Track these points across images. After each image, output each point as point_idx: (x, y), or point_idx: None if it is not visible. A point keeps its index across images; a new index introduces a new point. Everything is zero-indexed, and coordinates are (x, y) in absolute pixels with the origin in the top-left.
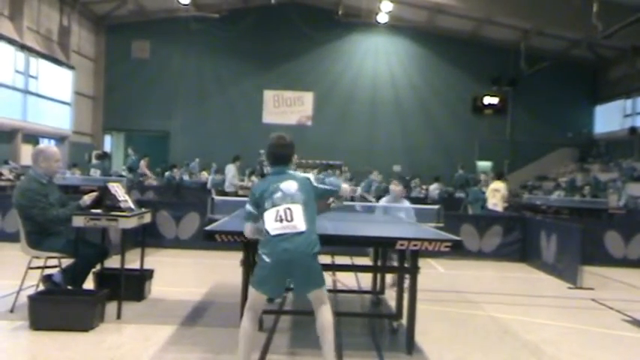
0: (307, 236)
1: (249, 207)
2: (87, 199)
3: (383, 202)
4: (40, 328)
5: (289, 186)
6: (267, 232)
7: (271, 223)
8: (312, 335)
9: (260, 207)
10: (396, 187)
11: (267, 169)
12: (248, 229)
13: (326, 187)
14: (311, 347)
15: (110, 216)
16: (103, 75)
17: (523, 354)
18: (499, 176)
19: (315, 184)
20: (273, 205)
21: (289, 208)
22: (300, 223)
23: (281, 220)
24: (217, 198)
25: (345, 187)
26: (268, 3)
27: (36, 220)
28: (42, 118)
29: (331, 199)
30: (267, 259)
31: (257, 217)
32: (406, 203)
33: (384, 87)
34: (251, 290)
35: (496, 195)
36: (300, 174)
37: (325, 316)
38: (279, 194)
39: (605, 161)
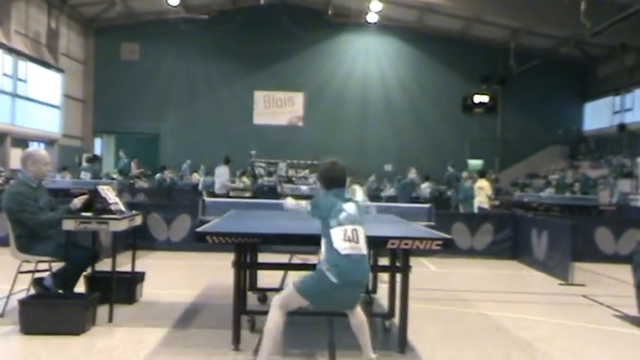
0: (367, 261)
1: (313, 211)
2: (77, 202)
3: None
4: (31, 332)
5: (351, 208)
6: (335, 250)
7: (340, 242)
8: (305, 335)
9: (324, 218)
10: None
11: (321, 193)
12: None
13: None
14: (304, 348)
15: (101, 219)
16: (93, 78)
17: (515, 351)
18: (482, 174)
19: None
20: (339, 224)
21: (355, 230)
22: (364, 246)
23: (349, 240)
24: (208, 200)
25: (290, 202)
26: (257, 4)
27: (26, 224)
28: (31, 121)
29: None
30: (334, 280)
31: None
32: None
33: (375, 87)
34: (298, 297)
35: (481, 193)
36: (352, 198)
37: (360, 316)
38: (344, 214)
39: (594, 158)
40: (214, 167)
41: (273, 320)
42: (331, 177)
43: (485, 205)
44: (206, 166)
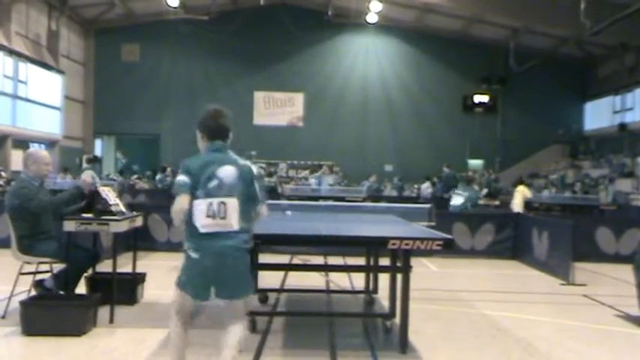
0: (241, 237)
1: (183, 177)
2: (86, 178)
3: None
4: (32, 333)
5: (228, 173)
6: (194, 228)
7: (201, 217)
8: (306, 336)
9: (192, 184)
10: None
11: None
12: (185, 201)
13: (259, 191)
14: (305, 348)
15: (101, 220)
16: (93, 79)
17: (516, 351)
18: (521, 182)
19: (256, 180)
20: (207, 196)
21: (224, 202)
22: (234, 221)
23: (213, 217)
24: None
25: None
26: (257, 4)
27: (36, 210)
28: (32, 123)
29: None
30: (194, 255)
31: (192, 188)
32: None
33: (375, 87)
34: (179, 293)
35: (517, 196)
36: (242, 160)
37: (236, 333)
38: (214, 182)
39: (595, 157)
40: None
41: (172, 329)
42: (213, 125)
43: (520, 209)
44: None
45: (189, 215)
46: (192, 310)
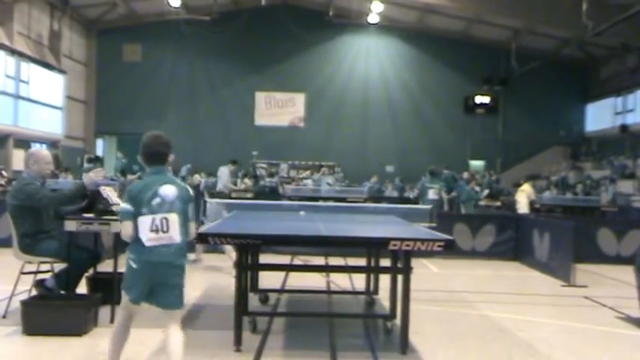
0: (179, 248)
1: (126, 205)
2: (92, 175)
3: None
4: (33, 333)
5: (168, 191)
6: (139, 240)
7: (146, 232)
8: (306, 337)
9: (136, 207)
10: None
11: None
12: (129, 228)
13: (192, 210)
14: (305, 349)
15: (102, 220)
16: (95, 79)
17: (517, 352)
18: (531, 177)
19: (191, 201)
20: (151, 213)
21: (166, 218)
22: (175, 235)
23: (157, 231)
24: (210, 200)
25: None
26: (259, 5)
27: (35, 214)
28: (33, 122)
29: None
30: (134, 266)
31: (134, 215)
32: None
33: (376, 87)
34: (123, 293)
35: (522, 195)
36: (179, 180)
37: (176, 338)
38: (157, 200)
39: (597, 159)
40: (215, 168)
41: (115, 322)
42: (151, 152)
43: (525, 210)
44: (204, 172)
45: (134, 231)
46: (133, 310)
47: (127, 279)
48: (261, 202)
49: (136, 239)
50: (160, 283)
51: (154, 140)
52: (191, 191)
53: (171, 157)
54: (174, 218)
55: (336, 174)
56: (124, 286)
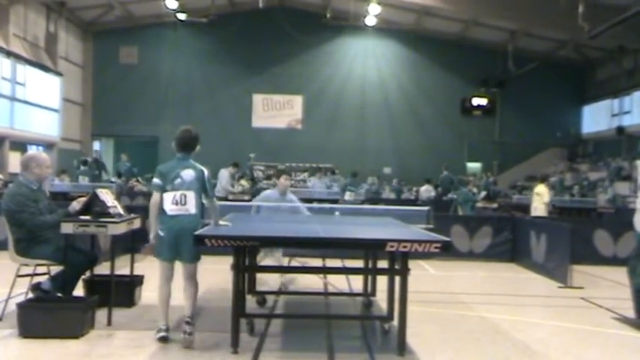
0: (194, 218)
1: (157, 180)
2: (76, 204)
3: (267, 194)
4: (29, 335)
5: (188, 174)
6: (164, 211)
7: (169, 204)
8: (304, 339)
9: (162, 182)
10: (285, 181)
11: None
12: (157, 197)
13: (209, 188)
14: (302, 351)
15: (99, 222)
16: (91, 81)
17: (514, 354)
18: (544, 179)
19: (207, 180)
20: (173, 189)
21: (184, 194)
22: (191, 207)
23: (177, 204)
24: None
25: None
26: (256, 7)
27: (25, 226)
28: (30, 125)
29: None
30: (162, 234)
31: (163, 188)
32: (291, 196)
33: (373, 89)
34: (158, 262)
35: (537, 199)
36: (199, 165)
37: (190, 288)
38: (178, 180)
39: (593, 161)
40: (212, 170)
41: (159, 286)
42: (180, 142)
43: (542, 213)
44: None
45: (160, 205)
46: (166, 271)
47: (157, 246)
48: (260, 204)
49: (162, 211)
50: (181, 243)
51: (184, 133)
52: (206, 172)
53: (198, 148)
54: (191, 195)
55: (332, 175)
56: (156, 252)
